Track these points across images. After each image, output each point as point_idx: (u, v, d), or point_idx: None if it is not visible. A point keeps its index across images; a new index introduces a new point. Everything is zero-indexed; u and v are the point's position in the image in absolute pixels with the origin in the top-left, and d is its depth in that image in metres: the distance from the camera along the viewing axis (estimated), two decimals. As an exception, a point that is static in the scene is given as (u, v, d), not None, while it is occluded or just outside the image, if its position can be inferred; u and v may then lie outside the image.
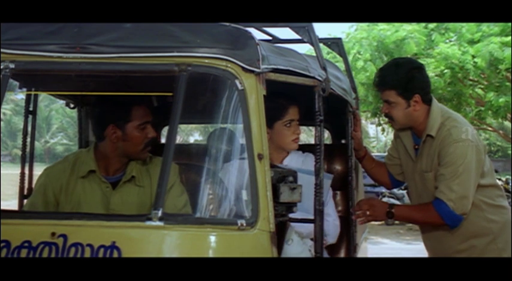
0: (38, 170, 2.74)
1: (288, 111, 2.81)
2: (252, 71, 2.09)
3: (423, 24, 10.81)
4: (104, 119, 2.50)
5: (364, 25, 11.39)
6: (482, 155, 2.83)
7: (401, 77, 2.84)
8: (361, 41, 11.02)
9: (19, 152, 3.31)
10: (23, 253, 1.93)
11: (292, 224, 2.48)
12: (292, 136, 2.84)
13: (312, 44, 2.38)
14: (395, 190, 15.14)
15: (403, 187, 14.95)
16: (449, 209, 2.72)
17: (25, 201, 2.79)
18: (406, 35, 10.50)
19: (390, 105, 2.89)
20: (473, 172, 2.77)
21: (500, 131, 17.72)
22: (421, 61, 9.35)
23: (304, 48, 7.17)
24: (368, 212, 2.84)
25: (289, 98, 2.80)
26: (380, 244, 11.48)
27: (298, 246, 2.47)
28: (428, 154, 2.87)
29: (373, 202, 2.88)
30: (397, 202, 14.40)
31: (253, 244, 2.01)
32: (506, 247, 2.88)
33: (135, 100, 2.47)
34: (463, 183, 2.74)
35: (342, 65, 3.87)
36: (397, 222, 14.51)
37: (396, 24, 10.74)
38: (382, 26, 11.01)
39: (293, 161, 2.90)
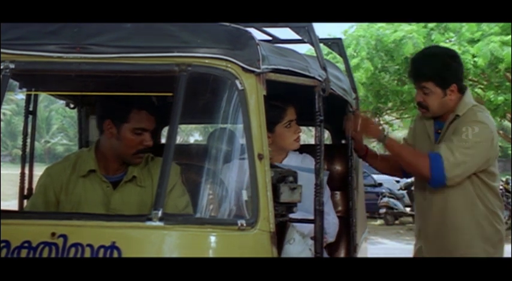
0: (38, 170, 2.74)
1: (286, 112, 2.83)
2: (252, 71, 2.09)
3: (423, 23, 10.79)
4: (104, 112, 2.50)
5: (363, 24, 11.37)
6: (494, 149, 2.82)
7: (438, 68, 2.82)
8: (358, 38, 11.00)
9: (19, 152, 3.31)
10: (23, 253, 1.93)
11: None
12: (293, 136, 2.88)
13: (312, 44, 2.38)
14: (395, 190, 15.16)
15: (403, 187, 15.05)
16: (442, 165, 2.68)
17: (25, 201, 2.79)
18: (404, 35, 10.48)
19: (426, 94, 2.87)
20: (480, 155, 2.75)
21: (500, 131, 17.71)
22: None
23: (304, 48, 7.16)
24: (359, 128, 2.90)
25: (285, 99, 2.81)
26: (380, 244, 11.48)
27: (299, 245, 2.47)
28: (450, 133, 2.84)
29: (371, 121, 2.93)
30: (398, 203, 14.44)
31: (253, 244, 2.01)
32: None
33: (137, 103, 2.43)
34: (466, 155, 2.71)
35: (342, 65, 3.87)
36: (397, 222, 14.54)
37: (395, 23, 10.71)
38: (380, 24, 10.98)
39: (292, 160, 2.91)
